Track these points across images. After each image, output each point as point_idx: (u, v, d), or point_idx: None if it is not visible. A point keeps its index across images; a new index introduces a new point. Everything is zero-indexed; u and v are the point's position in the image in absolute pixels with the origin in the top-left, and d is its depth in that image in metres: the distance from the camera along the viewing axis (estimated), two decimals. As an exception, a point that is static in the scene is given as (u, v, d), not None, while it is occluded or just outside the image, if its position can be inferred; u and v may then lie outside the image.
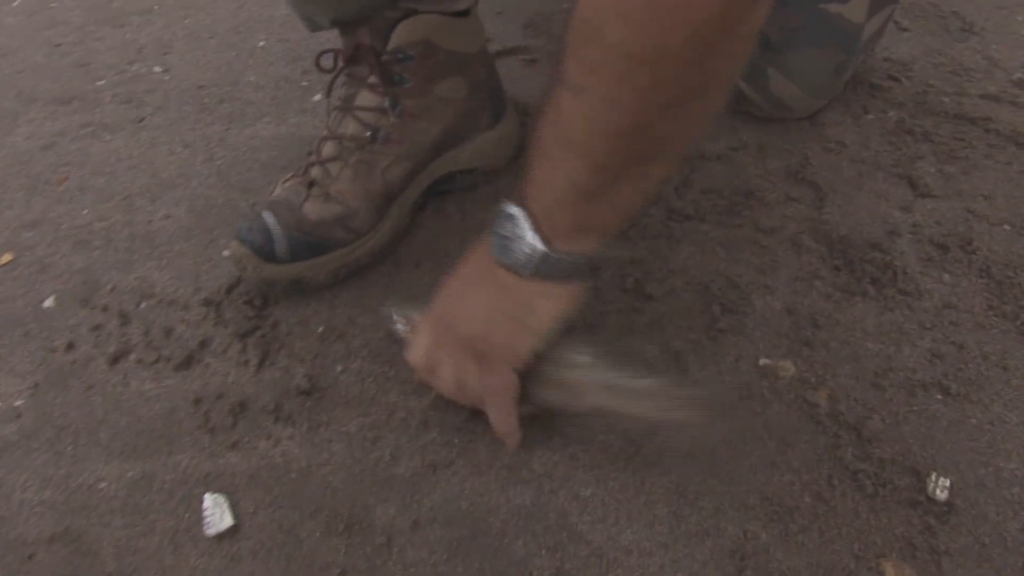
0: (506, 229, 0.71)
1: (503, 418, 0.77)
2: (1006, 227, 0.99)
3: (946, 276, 0.94)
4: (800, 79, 1.07)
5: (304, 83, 1.31)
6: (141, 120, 1.29)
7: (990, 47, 1.28)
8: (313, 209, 0.95)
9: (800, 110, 1.11)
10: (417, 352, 0.80)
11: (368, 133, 0.98)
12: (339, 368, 0.90)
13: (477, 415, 0.82)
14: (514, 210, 0.71)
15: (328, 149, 0.98)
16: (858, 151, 1.09)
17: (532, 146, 0.68)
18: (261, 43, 1.40)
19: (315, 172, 0.97)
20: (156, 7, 1.62)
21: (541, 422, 0.81)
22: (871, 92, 1.18)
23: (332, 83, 1.00)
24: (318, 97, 1.29)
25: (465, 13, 0.99)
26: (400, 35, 0.96)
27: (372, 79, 0.97)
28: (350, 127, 0.98)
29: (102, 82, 1.40)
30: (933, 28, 1.32)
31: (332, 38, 1.00)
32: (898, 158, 1.08)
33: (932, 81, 1.20)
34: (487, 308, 0.74)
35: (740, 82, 1.08)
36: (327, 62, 0.99)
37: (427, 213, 1.05)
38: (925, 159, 1.08)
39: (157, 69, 1.42)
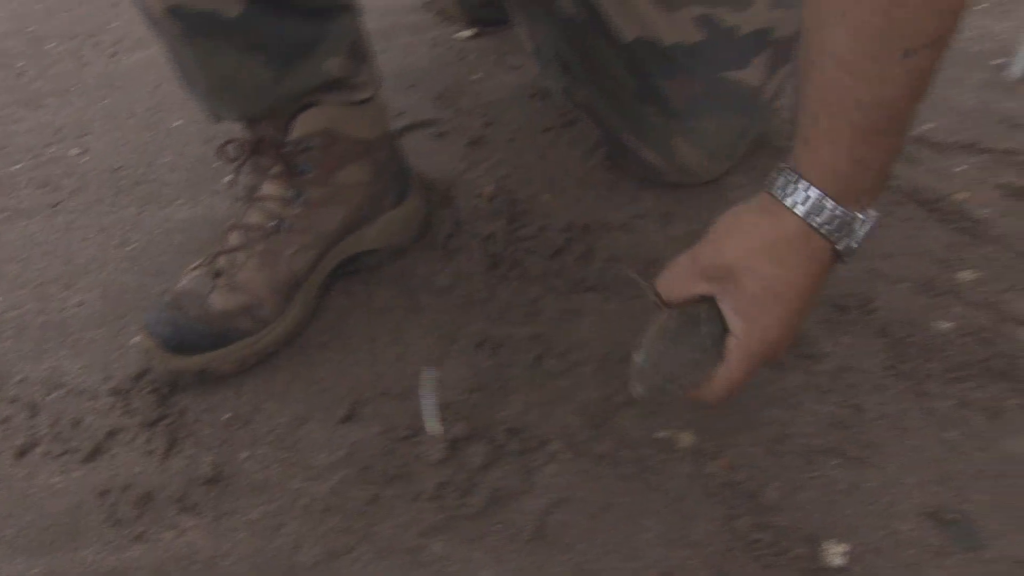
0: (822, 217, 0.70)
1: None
2: (905, 285, 1.01)
3: (845, 338, 0.96)
4: (704, 145, 1.09)
5: (218, 163, 1.32)
6: (57, 204, 1.29)
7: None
8: (219, 300, 0.96)
9: (705, 175, 1.13)
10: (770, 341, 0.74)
11: (273, 223, 0.99)
12: (245, 455, 0.90)
13: (378, 500, 0.82)
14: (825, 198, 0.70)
15: (234, 239, 0.99)
16: (761, 214, 1.11)
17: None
18: (177, 123, 1.41)
19: (221, 262, 0.98)
20: (74, 87, 1.62)
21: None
22: (774, 153, 1.20)
23: (237, 173, 1.01)
24: (231, 177, 1.30)
25: (367, 100, 1.01)
26: (301, 126, 0.97)
27: (275, 170, 0.98)
28: (255, 217, 0.99)
29: (18, 166, 1.40)
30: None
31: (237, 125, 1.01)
32: (799, 220, 1.10)
33: (835, 140, 1.22)
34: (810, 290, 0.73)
35: (647, 151, 1.10)
36: (232, 152, 0.99)
37: (333, 294, 1.06)
38: (828, 219, 1.10)
39: (74, 151, 1.42)
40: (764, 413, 0.89)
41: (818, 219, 0.69)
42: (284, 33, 0.92)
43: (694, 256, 0.75)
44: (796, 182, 0.69)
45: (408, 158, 1.13)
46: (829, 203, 0.68)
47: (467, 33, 1.51)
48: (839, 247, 0.71)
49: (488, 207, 1.13)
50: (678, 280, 0.76)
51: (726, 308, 0.73)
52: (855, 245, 0.72)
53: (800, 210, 0.69)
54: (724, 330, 0.74)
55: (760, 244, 0.71)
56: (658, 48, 1.05)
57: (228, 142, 1.00)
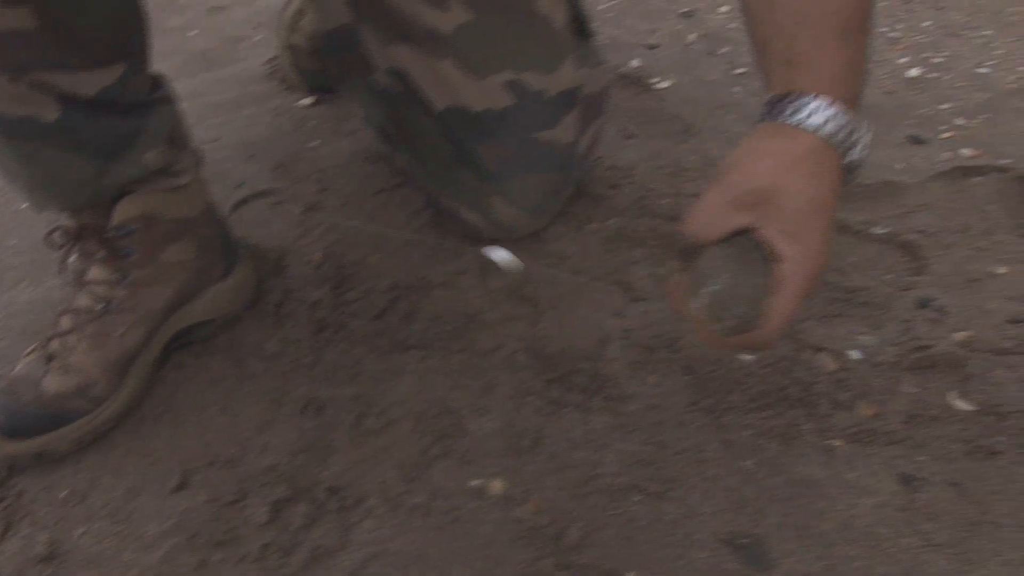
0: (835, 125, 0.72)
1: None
2: (712, 321, 1.07)
3: (652, 377, 1.02)
4: (521, 203, 1.14)
5: (61, 245, 1.35)
6: (-99, 292, 1.31)
7: (706, 146, 1.38)
8: (53, 382, 0.99)
9: (523, 230, 1.18)
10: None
11: (101, 306, 1.02)
12: (80, 531, 0.93)
13: (206, 564, 0.86)
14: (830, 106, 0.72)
15: (65, 322, 1.02)
16: (578, 262, 1.17)
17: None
18: (24, 205, 1.43)
19: (54, 345, 1.02)
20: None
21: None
22: (593, 202, 1.26)
23: (64, 258, 1.04)
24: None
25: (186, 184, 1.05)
26: (121, 212, 1.01)
27: (100, 254, 1.02)
28: (84, 300, 1.03)
29: None
30: (656, 132, 1.42)
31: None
32: (615, 265, 1.17)
33: (652, 184, 1.29)
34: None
35: (466, 212, 1.15)
36: (58, 239, 1.03)
37: (168, 367, 1.09)
38: (639, 264, 1.17)
39: (-79, 236, 1.43)
40: (572, 456, 0.94)
41: (828, 129, 0.71)
42: (102, 132, 0.96)
43: (722, 190, 0.73)
44: (796, 99, 0.71)
45: (233, 229, 1.17)
46: (834, 111, 0.71)
47: (307, 101, 1.56)
48: (847, 160, 0.73)
49: (317, 273, 1.18)
50: (713, 216, 0.73)
51: (772, 233, 0.71)
52: (861, 157, 0.74)
53: (811, 125, 0.71)
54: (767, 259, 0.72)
55: (789, 162, 0.71)
56: (469, 115, 1.10)
57: (54, 230, 1.03)
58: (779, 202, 0.70)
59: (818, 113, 0.71)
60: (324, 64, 1.45)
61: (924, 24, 1.71)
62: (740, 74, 1.57)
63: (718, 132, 1.42)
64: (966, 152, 1.37)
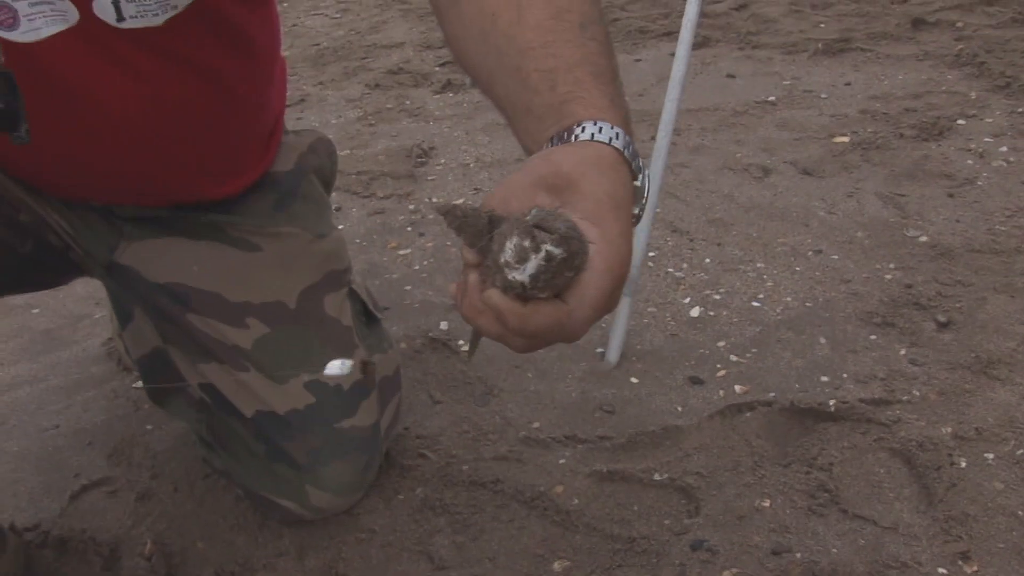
0: (623, 140, 0.74)
1: None
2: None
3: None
4: (334, 488, 1.26)
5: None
6: None
7: (506, 407, 1.53)
8: None
9: (338, 509, 1.30)
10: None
11: None
12: None
13: None
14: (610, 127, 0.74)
15: None
16: (387, 535, 1.29)
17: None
18: None
19: None
20: None
21: None
22: (402, 472, 1.39)
23: None
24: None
25: None
26: None
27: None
28: None
29: None
30: (461, 396, 1.57)
31: None
32: (420, 535, 1.29)
33: (455, 451, 1.43)
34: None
35: (283, 501, 1.26)
36: None
37: None
38: (442, 532, 1.29)
39: None
40: None
41: (620, 143, 0.73)
42: None
43: (527, 171, 0.73)
44: (582, 124, 0.74)
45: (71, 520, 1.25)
46: (617, 131, 0.74)
47: (142, 383, 1.67)
48: (636, 181, 0.75)
49: (147, 565, 1.27)
50: (515, 192, 0.71)
51: (583, 206, 0.69)
52: (643, 186, 0.77)
53: (604, 138, 0.73)
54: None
55: (592, 159, 0.72)
56: (277, 417, 1.23)
57: None
58: (583, 189, 0.70)
59: (606, 130, 0.74)
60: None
61: (706, 261, 1.91)
62: (539, 329, 1.73)
63: (517, 391, 1.57)
64: (738, 389, 1.55)
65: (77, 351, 1.83)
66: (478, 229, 0.70)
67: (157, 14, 1.00)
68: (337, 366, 1.13)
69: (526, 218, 0.66)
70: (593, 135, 0.74)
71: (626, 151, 0.74)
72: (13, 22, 0.95)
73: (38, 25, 0.96)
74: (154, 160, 1.15)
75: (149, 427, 1.56)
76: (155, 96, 1.09)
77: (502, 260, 0.66)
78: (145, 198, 1.23)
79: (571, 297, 0.67)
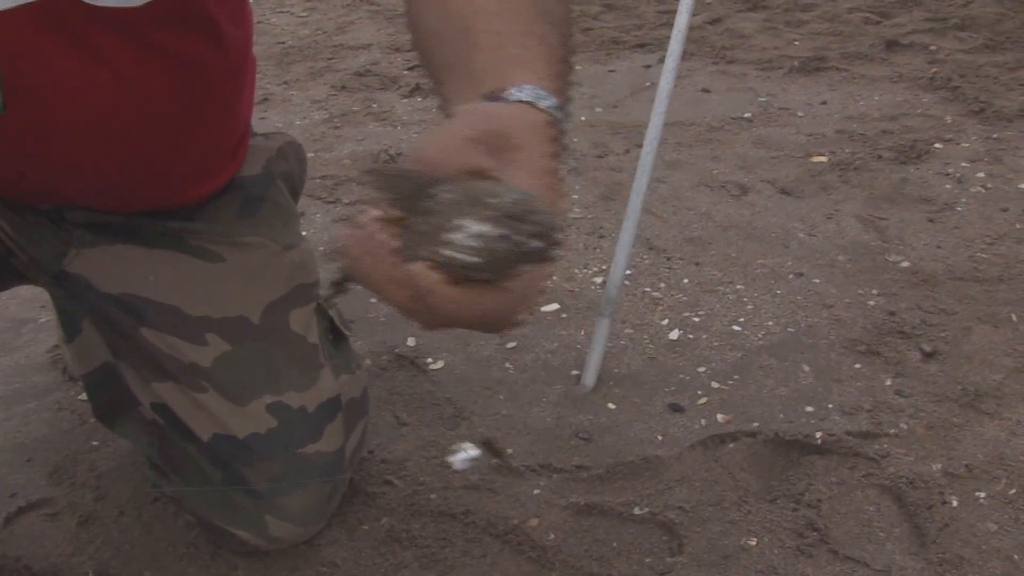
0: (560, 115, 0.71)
1: None
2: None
3: None
4: (294, 518, 1.18)
5: None
6: None
7: (477, 431, 1.45)
8: None
9: (299, 540, 1.21)
10: None
11: None
12: None
13: None
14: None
15: None
16: (350, 569, 1.21)
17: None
18: None
19: None
20: None
21: None
22: (366, 501, 1.30)
23: None
24: None
25: None
26: None
27: None
28: None
29: None
30: (428, 418, 1.48)
31: None
32: (386, 570, 1.20)
33: (423, 478, 1.35)
34: None
35: (240, 531, 1.17)
36: None
37: None
38: (409, 567, 1.21)
39: None
40: None
41: (550, 105, 0.69)
42: None
43: (463, 125, 0.66)
44: (522, 87, 0.70)
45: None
46: (549, 95, 0.70)
47: (88, 395, 1.57)
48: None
49: (88, 598, 1.18)
50: (451, 150, 0.64)
51: (523, 175, 0.63)
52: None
53: (541, 103, 0.69)
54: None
55: (532, 123, 0.67)
56: (236, 441, 1.14)
57: None
58: (526, 157, 0.64)
59: (548, 99, 0.70)
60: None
61: (684, 282, 1.85)
62: (511, 348, 1.66)
63: (488, 415, 1.49)
64: (720, 418, 1.48)
65: (19, 358, 1.72)
66: (410, 191, 0.61)
67: None
68: (463, 456, 1.04)
69: (490, 198, 0.57)
70: (534, 100, 0.69)
71: (558, 115, 0.70)
72: None
73: None
74: (119, 158, 1.06)
75: (95, 443, 1.47)
76: (125, 87, 1.00)
77: (448, 238, 0.57)
78: (104, 200, 1.14)
79: (512, 286, 0.59)
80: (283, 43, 3.65)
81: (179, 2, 0.97)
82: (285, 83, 3.19)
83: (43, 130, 0.99)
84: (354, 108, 2.92)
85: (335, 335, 1.28)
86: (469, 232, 0.56)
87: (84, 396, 1.59)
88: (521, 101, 0.69)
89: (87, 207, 1.15)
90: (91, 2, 0.90)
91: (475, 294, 0.58)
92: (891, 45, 3.17)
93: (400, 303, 0.62)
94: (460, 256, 0.57)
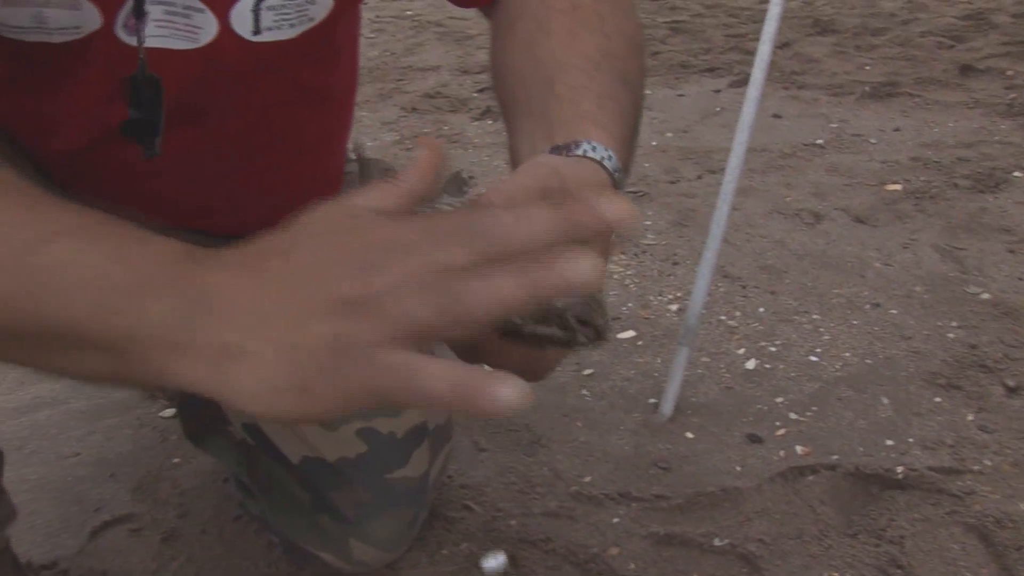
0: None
1: None
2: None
3: None
4: (379, 543, 1.18)
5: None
6: None
7: (555, 458, 1.45)
8: None
9: (382, 564, 1.22)
10: None
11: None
12: None
13: None
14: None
15: None
16: (431, 592, 1.21)
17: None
18: None
19: None
20: None
21: None
22: (446, 526, 1.31)
23: None
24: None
25: None
26: None
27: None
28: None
29: None
30: (506, 444, 1.48)
31: None
32: (467, 594, 1.20)
33: (502, 504, 1.35)
34: None
35: (324, 554, 1.18)
36: None
37: None
38: (490, 594, 1.20)
39: None
40: None
41: (614, 166, 0.74)
42: None
43: (531, 175, 0.68)
44: (592, 143, 0.74)
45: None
46: (611, 154, 0.75)
47: (169, 412, 1.59)
48: None
49: (174, 616, 1.19)
50: (519, 196, 0.65)
51: None
52: None
53: (604, 161, 0.73)
54: None
55: (591, 180, 0.71)
56: (325, 464, 1.15)
57: None
58: None
59: (612, 161, 0.74)
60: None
61: (759, 311, 1.83)
62: (588, 375, 1.65)
63: (566, 442, 1.49)
64: (799, 450, 1.46)
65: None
66: None
67: (293, 25, 0.92)
68: (493, 563, 1.05)
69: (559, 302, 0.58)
70: (602, 159, 0.73)
71: (618, 175, 0.74)
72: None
73: (165, 33, 0.88)
74: (246, 184, 1.08)
75: (176, 460, 1.48)
76: (263, 116, 1.01)
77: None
78: (213, 222, 1.15)
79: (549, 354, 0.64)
80: (354, 64, 3.68)
81: (321, 32, 0.97)
82: (355, 104, 3.21)
83: (190, 157, 1.01)
84: (425, 130, 2.94)
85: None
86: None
87: (165, 413, 1.61)
88: (589, 157, 0.72)
89: (191, 229, 1.17)
90: (251, 39, 0.91)
91: (516, 352, 0.61)
92: (966, 70, 3.13)
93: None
94: (526, 326, 0.58)
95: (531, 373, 0.63)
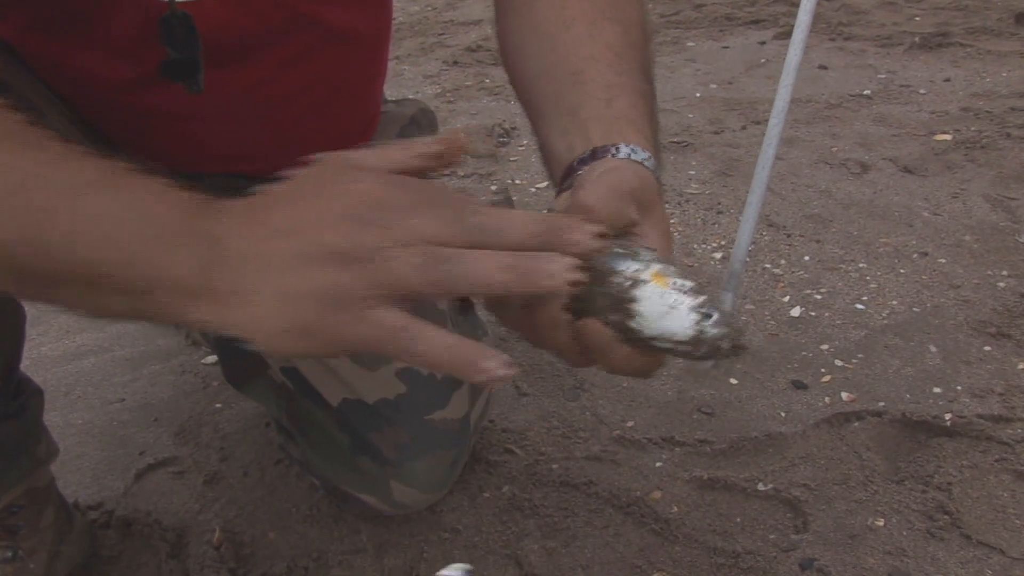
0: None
1: None
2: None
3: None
4: (420, 484, 1.18)
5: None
6: None
7: (597, 403, 1.44)
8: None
9: (423, 506, 1.21)
10: None
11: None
12: None
13: None
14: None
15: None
16: (471, 535, 1.20)
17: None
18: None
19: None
20: None
21: None
22: (488, 469, 1.30)
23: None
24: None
25: None
26: (11, 492, 1.05)
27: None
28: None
29: None
30: (549, 388, 1.47)
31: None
32: (507, 538, 1.20)
33: (544, 448, 1.34)
34: None
35: (365, 496, 1.18)
36: None
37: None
38: (531, 535, 1.20)
39: None
40: None
41: (653, 165, 0.74)
42: None
43: (618, 179, 0.68)
44: (634, 147, 0.74)
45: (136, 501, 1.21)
46: (648, 154, 0.74)
47: (211, 359, 1.59)
48: None
49: (216, 554, 1.19)
50: (607, 200, 0.65)
51: (656, 235, 0.68)
52: None
53: (644, 161, 0.73)
54: None
55: (653, 182, 0.72)
56: (365, 406, 1.15)
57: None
58: (659, 214, 0.69)
59: (650, 160, 0.74)
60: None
61: (804, 259, 1.81)
62: (630, 322, 1.64)
63: (608, 387, 1.48)
64: (844, 396, 1.44)
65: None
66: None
67: None
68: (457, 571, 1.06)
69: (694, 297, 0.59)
70: (645, 161, 0.73)
71: (658, 174, 0.75)
72: None
73: None
74: (281, 128, 1.08)
75: (218, 406, 1.49)
76: (293, 58, 1.01)
77: (636, 315, 0.60)
78: (250, 164, 1.14)
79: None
80: (394, 19, 3.66)
81: None
82: (396, 58, 3.21)
83: (226, 99, 1.01)
84: (467, 83, 2.92)
85: (462, 303, 1.28)
86: (684, 325, 0.59)
87: (207, 360, 1.62)
88: (634, 160, 0.72)
89: (229, 172, 1.16)
90: None
91: (642, 358, 0.62)
92: (1021, 18, 3.06)
93: (559, 347, 0.64)
94: (639, 328, 0.60)
95: (643, 375, 0.65)
